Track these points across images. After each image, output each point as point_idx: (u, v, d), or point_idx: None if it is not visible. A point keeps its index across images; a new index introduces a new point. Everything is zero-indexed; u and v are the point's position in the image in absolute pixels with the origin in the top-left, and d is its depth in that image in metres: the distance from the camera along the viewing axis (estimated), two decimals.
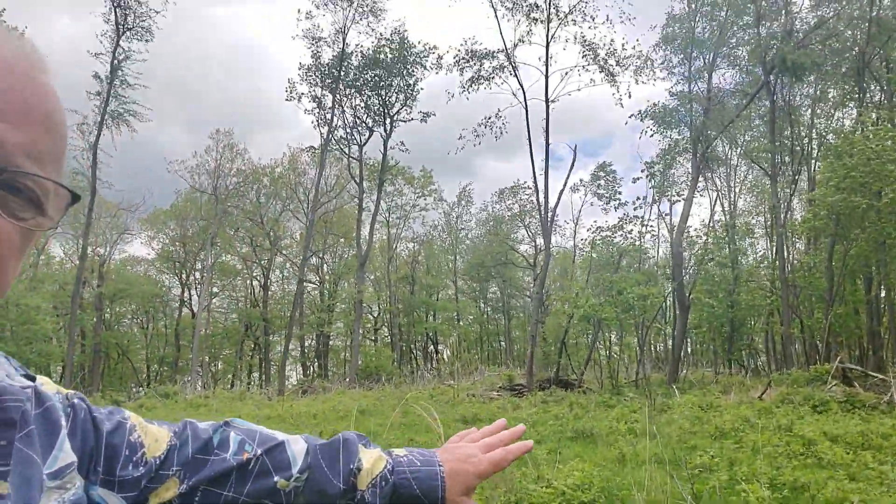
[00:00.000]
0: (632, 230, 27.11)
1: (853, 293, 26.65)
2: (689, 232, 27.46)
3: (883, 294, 26.83)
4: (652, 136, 28.21)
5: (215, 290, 47.51)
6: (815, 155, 29.44)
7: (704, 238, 28.14)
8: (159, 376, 44.53)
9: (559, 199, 26.41)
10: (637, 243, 27.70)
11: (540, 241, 43.99)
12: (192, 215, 43.69)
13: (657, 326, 28.26)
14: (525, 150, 38.38)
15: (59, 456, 0.69)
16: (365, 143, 34.94)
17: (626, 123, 52.20)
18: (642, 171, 28.55)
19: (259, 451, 0.88)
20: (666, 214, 36.02)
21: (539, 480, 7.74)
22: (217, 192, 40.27)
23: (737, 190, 39.40)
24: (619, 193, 27.35)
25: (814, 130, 29.15)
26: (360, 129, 34.44)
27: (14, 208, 0.59)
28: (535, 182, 26.57)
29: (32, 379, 0.73)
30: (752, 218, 39.89)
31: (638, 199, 28.63)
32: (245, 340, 46.52)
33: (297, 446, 0.91)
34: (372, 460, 0.93)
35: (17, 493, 0.60)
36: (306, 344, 46.95)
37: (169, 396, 24.11)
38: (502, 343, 56.07)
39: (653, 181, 29.34)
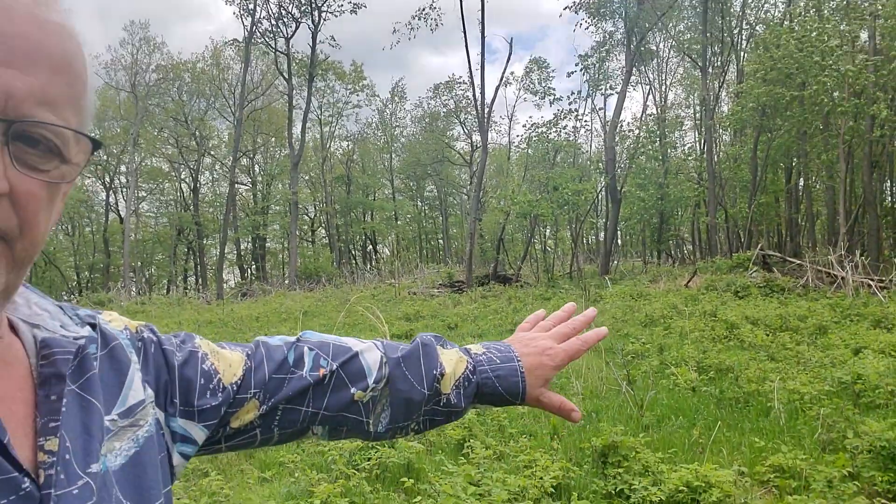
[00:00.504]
0: (566, 125, 27.19)
1: (774, 183, 27.84)
2: (621, 126, 27.78)
3: (801, 183, 28.15)
4: (587, 28, 27.82)
5: (142, 193, 45.82)
6: (743, 46, 29.75)
7: (636, 132, 28.52)
8: (90, 284, 43.41)
9: (496, 94, 26.10)
10: (572, 139, 27.87)
11: (476, 137, 43.75)
12: (111, 115, 41.27)
13: (590, 220, 29.02)
14: (462, 43, 37.28)
15: (129, 394, 0.68)
16: (292, 36, 33.33)
17: (561, 16, 51.18)
18: (576, 64, 28.34)
19: (335, 366, 0.88)
20: (600, 109, 36.21)
21: None
22: (136, 89, 38.00)
23: (668, 83, 39.78)
24: (553, 90, 27.13)
25: (744, 21, 29.28)
26: (286, 20, 32.68)
27: (34, 161, 0.56)
28: (470, 77, 26.13)
29: (93, 326, 0.70)
30: (682, 111, 40.58)
31: (573, 93, 28.54)
32: (178, 245, 45.49)
33: (370, 355, 0.91)
34: (453, 363, 0.93)
35: (76, 443, 0.60)
36: (242, 247, 46.30)
37: (103, 304, 23.60)
38: (441, 241, 56.69)
39: (587, 75, 29.22)
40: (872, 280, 14.99)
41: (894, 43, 22.05)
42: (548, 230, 30.84)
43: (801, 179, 28.22)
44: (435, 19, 26.50)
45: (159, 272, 48.18)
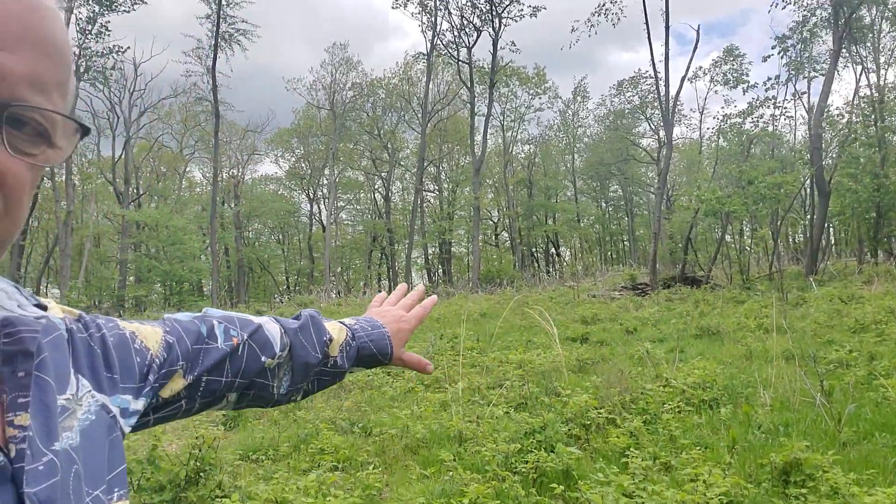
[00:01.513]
0: (763, 114, 24.98)
1: None
2: (829, 111, 24.96)
3: None
4: (784, 7, 25.36)
5: (341, 203, 49.44)
6: None
7: (848, 117, 25.45)
8: (297, 287, 47.65)
9: (681, 86, 24.69)
10: (770, 128, 25.52)
11: (663, 133, 41.85)
12: (313, 132, 45.08)
13: (793, 217, 26.39)
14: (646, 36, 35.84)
15: (71, 381, 0.70)
16: (473, 45, 34.09)
17: None
18: (773, 47, 25.92)
19: (244, 336, 0.95)
20: (803, 93, 32.82)
21: (657, 379, 7.63)
22: (334, 106, 41.10)
23: (885, 61, 35.06)
24: (748, 77, 24.97)
25: None
26: (467, 30, 33.52)
27: (22, 144, 0.57)
28: (654, 70, 24.95)
29: (44, 308, 0.73)
30: None
31: (769, 79, 26.17)
32: (373, 250, 48.47)
33: (271, 327, 1.00)
34: (336, 331, 1.09)
35: (36, 420, 0.61)
36: (430, 251, 48.20)
37: (306, 305, 25.79)
38: (626, 242, 54.85)
39: (785, 57, 26.62)
40: None
41: None
42: (743, 228, 28.60)
43: None
44: (616, 13, 25.71)
45: (356, 275, 51.67)
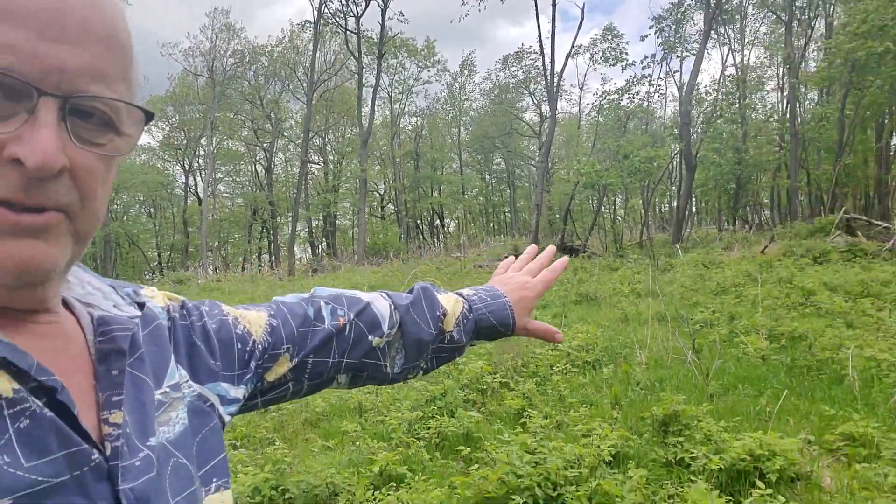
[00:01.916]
0: (639, 91, 26.33)
1: (862, 142, 26.22)
2: (698, 89, 26.69)
3: (894, 141, 26.42)
4: None
5: (219, 175, 47.41)
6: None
7: (714, 95, 27.33)
8: (171, 263, 45.47)
9: (566, 63, 25.49)
10: (645, 104, 26.97)
11: (545, 108, 43.04)
12: (190, 100, 42.75)
13: (662, 188, 28.16)
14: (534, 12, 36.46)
15: (170, 372, 0.71)
16: (362, 15, 33.44)
17: None
18: (650, 27, 27.28)
19: (351, 316, 0.94)
20: (676, 72, 34.83)
21: (544, 344, 8.01)
22: (213, 74, 39.15)
23: (749, 43, 37.86)
24: (626, 56, 26.14)
25: None
26: None
27: (90, 135, 0.57)
28: (541, 46, 25.56)
29: (142, 305, 0.73)
30: (765, 71, 38.63)
31: (646, 57, 27.55)
32: (253, 224, 46.98)
33: (380, 304, 0.98)
34: (451, 304, 1.05)
35: (132, 416, 0.62)
36: (313, 224, 47.38)
37: (182, 282, 24.70)
38: (507, 214, 56.34)
39: (661, 37, 28.10)
40: None
41: None
42: (617, 199, 30.17)
43: (894, 137, 26.48)
44: None
45: (235, 250, 49.95)
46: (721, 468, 4.11)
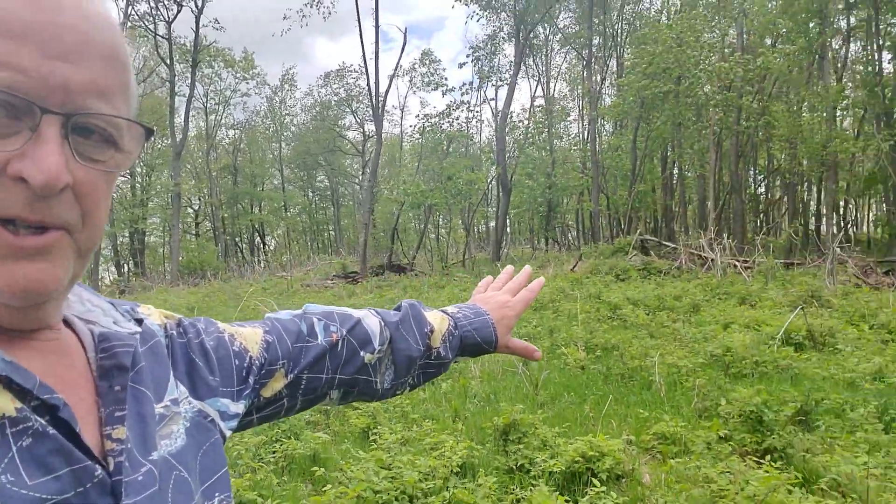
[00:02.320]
0: (459, 116, 27.57)
1: (651, 172, 29.53)
2: (511, 117, 28.49)
3: (676, 172, 30.03)
4: (479, 20, 28.28)
5: None
6: (623, 41, 31.22)
7: (526, 123, 29.35)
8: None
9: (390, 84, 26.01)
10: (464, 129, 28.29)
11: (368, 127, 43.49)
12: None
13: (482, 209, 29.65)
14: (356, 30, 36.76)
15: (170, 388, 0.71)
16: (173, 20, 31.69)
17: (454, 7, 51.46)
18: (468, 55, 28.75)
19: (344, 332, 0.95)
20: (491, 100, 36.81)
21: None
22: None
23: (554, 75, 41.14)
24: (446, 81, 27.33)
25: (623, 16, 30.67)
26: (166, 2, 31.05)
27: (91, 152, 0.58)
28: (365, 66, 25.85)
29: (140, 321, 0.73)
30: (569, 103, 42.11)
31: (464, 84, 28.92)
32: None
33: (370, 321, 1.00)
34: (438, 321, 1.07)
35: (133, 431, 0.62)
36: (118, 241, 43.75)
37: None
38: (331, 232, 55.97)
39: (478, 66, 29.71)
40: (738, 261, 16.29)
41: (762, 40, 23.89)
42: (441, 219, 31.20)
43: (676, 168, 30.11)
44: (328, 7, 26.03)
45: None
46: (559, 471, 4.47)
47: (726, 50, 22.29)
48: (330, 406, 1.00)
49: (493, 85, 31.35)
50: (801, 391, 5.94)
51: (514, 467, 4.75)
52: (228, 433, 0.78)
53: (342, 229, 53.05)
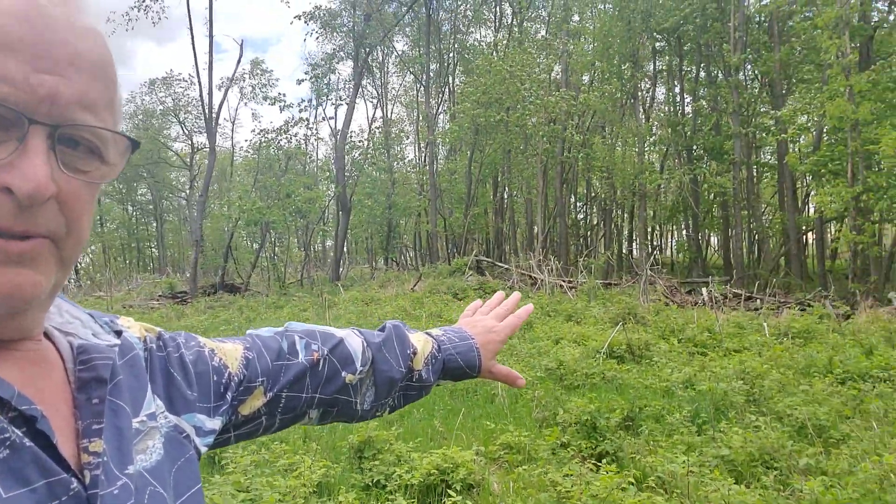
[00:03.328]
0: (297, 133, 27.18)
1: (483, 195, 30.93)
2: (351, 136, 28.60)
3: (507, 196, 31.69)
4: (317, 38, 28.16)
5: None
6: (454, 70, 32.53)
7: (365, 143, 29.58)
8: None
9: (224, 96, 25.05)
10: (302, 147, 27.93)
11: (196, 138, 41.48)
12: None
13: (323, 228, 29.35)
14: (187, 36, 34.93)
15: (147, 402, 0.70)
16: None
17: (292, 23, 50.67)
18: (306, 73, 28.48)
19: (325, 351, 0.94)
20: (330, 118, 36.63)
21: None
22: None
23: (393, 98, 41.86)
24: (284, 97, 26.84)
25: (455, 45, 31.95)
26: None
27: (77, 163, 0.58)
28: (197, 76, 24.70)
29: (119, 334, 0.72)
30: (407, 126, 43.00)
31: (303, 101, 28.59)
32: None
33: (353, 341, 0.99)
34: (421, 343, 1.06)
35: (110, 444, 0.62)
36: None
37: None
38: (153, 249, 52.47)
39: (316, 84, 29.52)
40: (564, 281, 17.51)
41: (582, 78, 25.97)
42: (276, 237, 30.45)
43: (507, 193, 31.78)
44: (158, 12, 24.59)
45: None
46: (415, 484, 4.60)
47: (553, 85, 24.01)
48: (309, 425, 1.01)
49: (332, 103, 31.32)
50: (626, 399, 6.55)
51: (371, 483, 4.81)
52: (204, 449, 0.77)
53: (166, 246, 49.89)
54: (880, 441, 5.25)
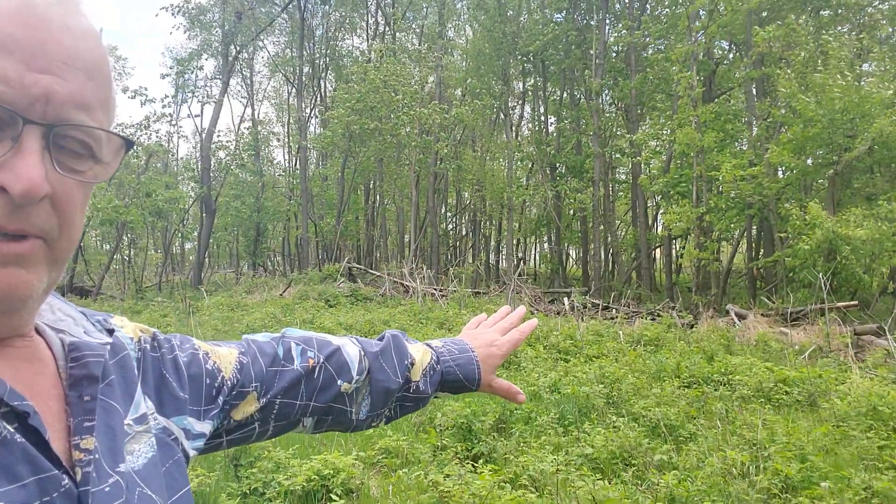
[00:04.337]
0: (159, 129, 25.79)
1: (356, 202, 30.82)
2: (218, 136, 27.55)
3: (378, 203, 31.75)
4: (185, 33, 26.91)
5: None
6: (326, 74, 32.24)
7: (233, 143, 28.59)
8: None
9: None
10: (164, 144, 26.52)
11: None
12: None
13: (185, 230, 27.97)
14: None
15: (139, 403, 0.70)
16: None
17: (158, 15, 47.95)
18: (171, 67, 27.13)
19: (321, 358, 0.94)
20: (196, 116, 35.04)
21: None
22: None
23: (260, 98, 40.72)
24: (146, 91, 25.35)
25: (327, 50, 31.66)
26: None
27: (71, 163, 0.58)
28: None
29: (111, 332, 0.71)
30: (276, 128, 41.95)
31: (167, 96, 27.18)
32: None
33: (350, 349, 0.98)
34: (420, 354, 1.05)
35: (102, 442, 0.62)
36: None
37: None
38: None
39: (181, 79, 28.18)
40: (435, 289, 17.84)
41: (456, 91, 26.59)
42: (130, 239, 28.67)
43: (378, 200, 31.84)
44: None
45: None
46: (294, 490, 4.57)
47: (427, 97, 24.44)
48: (303, 434, 1.02)
49: (198, 101, 30.01)
50: (498, 403, 6.84)
51: (248, 491, 4.72)
52: (193, 453, 0.77)
53: None
54: (723, 438, 5.84)
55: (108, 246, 26.36)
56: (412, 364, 1.03)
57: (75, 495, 0.56)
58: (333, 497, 4.33)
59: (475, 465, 5.02)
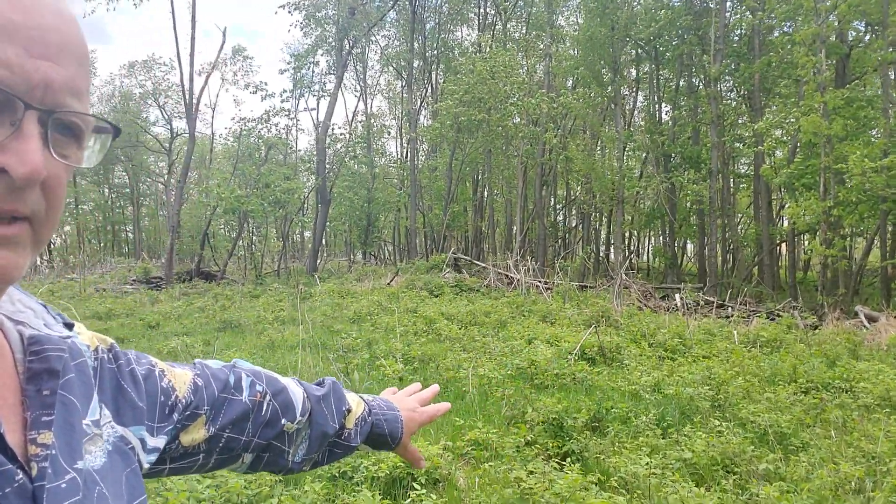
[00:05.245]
0: (278, 122, 27.03)
1: (463, 193, 30.99)
2: (333, 129, 28.52)
3: (486, 195, 31.79)
4: (302, 29, 27.99)
5: None
6: (437, 66, 32.52)
7: (347, 136, 29.50)
8: None
9: (206, 83, 24.79)
10: (284, 136, 27.79)
11: (176, 124, 41.05)
12: None
13: (303, 219, 29.22)
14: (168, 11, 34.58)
15: (94, 407, 0.69)
16: None
17: (277, 13, 50.32)
18: (289, 63, 28.33)
19: (268, 394, 0.95)
20: (312, 109, 36.38)
21: None
22: None
23: (375, 92, 41.78)
24: (266, 85, 26.65)
25: (438, 42, 31.94)
26: None
27: (62, 148, 0.59)
28: (178, 60, 24.42)
29: (70, 327, 0.72)
30: (388, 120, 42.92)
31: (285, 91, 28.43)
32: None
33: (296, 390, 1.00)
34: (355, 403, 1.09)
35: (60, 438, 0.61)
36: None
37: None
38: (129, 233, 51.80)
39: (298, 75, 29.36)
40: (539, 282, 17.64)
41: (564, 82, 26.13)
42: (254, 227, 30.30)
43: (486, 192, 31.88)
44: None
45: None
46: (382, 476, 4.65)
47: (535, 87, 24.13)
48: (239, 471, 1.01)
49: (314, 95, 31.16)
50: (594, 400, 6.65)
51: (338, 474, 4.85)
52: (147, 465, 0.77)
53: (142, 231, 49.28)
54: (837, 450, 5.40)
55: (233, 233, 27.93)
56: (349, 411, 1.06)
57: (30, 491, 0.55)
58: (416, 486, 4.35)
59: (562, 463, 4.90)
